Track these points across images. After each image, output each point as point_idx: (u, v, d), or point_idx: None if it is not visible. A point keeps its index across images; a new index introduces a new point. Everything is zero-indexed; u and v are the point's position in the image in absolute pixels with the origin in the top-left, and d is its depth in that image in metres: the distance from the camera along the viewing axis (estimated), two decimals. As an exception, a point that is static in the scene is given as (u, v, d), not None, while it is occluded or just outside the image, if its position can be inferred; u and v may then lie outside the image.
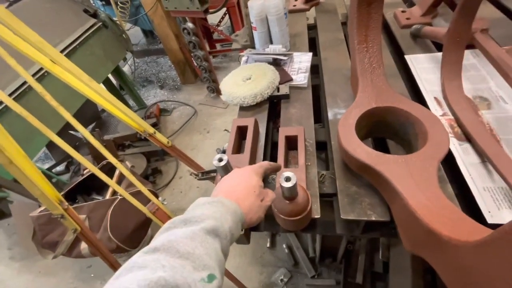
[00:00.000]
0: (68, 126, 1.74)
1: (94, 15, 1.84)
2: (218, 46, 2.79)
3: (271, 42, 0.99)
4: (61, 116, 0.92)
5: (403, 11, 1.01)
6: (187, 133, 2.25)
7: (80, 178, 1.49)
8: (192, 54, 2.11)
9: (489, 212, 0.48)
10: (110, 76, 2.25)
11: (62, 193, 1.43)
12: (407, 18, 0.98)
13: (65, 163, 2.15)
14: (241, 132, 0.69)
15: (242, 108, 0.83)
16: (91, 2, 2.73)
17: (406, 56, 0.84)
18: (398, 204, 0.45)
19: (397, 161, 0.49)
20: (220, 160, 0.50)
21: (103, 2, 2.96)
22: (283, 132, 0.64)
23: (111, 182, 0.98)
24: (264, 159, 0.69)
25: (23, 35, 0.75)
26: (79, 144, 2.13)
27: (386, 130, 0.64)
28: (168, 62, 2.89)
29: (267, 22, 0.93)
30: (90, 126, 2.46)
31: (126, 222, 1.23)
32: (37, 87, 0.89)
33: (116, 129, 2.31)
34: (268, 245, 1.45)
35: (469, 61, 0.78)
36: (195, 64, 2.19)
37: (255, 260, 1.44)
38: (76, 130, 1.84)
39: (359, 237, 1.21)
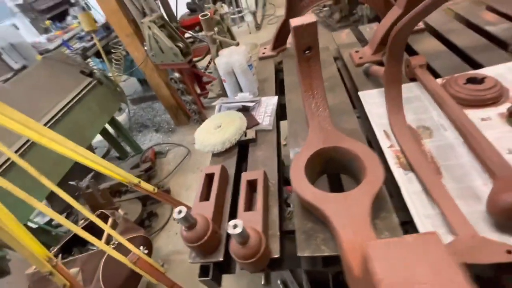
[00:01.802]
0: (67, 177, 1.83)
1: (90, 74, 2.03)
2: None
3: (241, 90, 1.09)
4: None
5: (356, 51, 1.12)
6: (182, 173, 2.32)
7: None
8: (182, 99, 2.26)
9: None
10: (108, 126, 2.40)
11: (58, 246, 1.46)
12: (360, 58, 1.08)
13: (64, 214, 2.20)
14: (210, 179, 0.75)
15: (214, 155, 0.90)
16: (90, 60, 2.99)
17: (359, 93, 0.93)
18: (337, 239, 0.49)
19: (337, 199, 0.54)
20: (180, 212, 0.55)
21: (101, 59, 3.25)
22: (245, 176, 0.71)
23: (96, 241, 1.02)
24: (233, 204, 0.74)
25: (8, 115, 0.86)
26: (77, 194, 2.20)
27: (338, 166, 0.69)
28: (162, 107, 3.06)
29: (234, 74, 1.05)
30: (90, 174, 2.56)
31: (118, 272, 1.24)
32: (20, 162, 0.97)
33: (114, 175, 2.39)
34: (262, 282, 1.42)
35: (413, 93, 0.86)
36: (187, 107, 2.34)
37: (252, 299, 1.41)
38: (73, 180, 1.92)
39: (325, 271, 1.20)
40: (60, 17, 4.56)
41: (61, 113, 1.67)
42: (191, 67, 2.02)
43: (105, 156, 2.63)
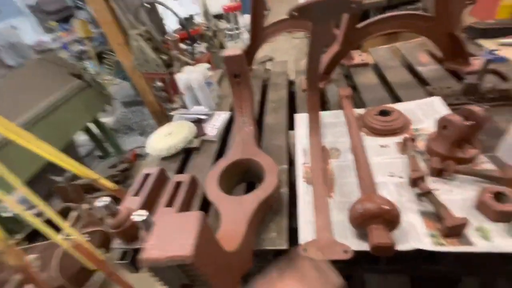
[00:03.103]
0: (47, 171, 1.94)
1: (79, 76, 2.17)
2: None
3: (199, 104, 1.22)
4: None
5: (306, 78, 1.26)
6: (159, 177, 2.41)
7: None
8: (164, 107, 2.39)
9: (303, 242, 0.62)
10: (93, 126, 2.52)
11: (24, 235, 1.54)
12: (307, 84, 1.22)
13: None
14: (147, 179, 0.86)
15: (163, 159, 1.02)
16: (87, 63, 3.15)
17: (295, 115, 1.06)
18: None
19: (232, 200, 0.65)
20: (103, 201, 0.66)
21: (97, 62, 3.42)
22: (175, 178, 0.82)
23: (48, 232, 1.10)
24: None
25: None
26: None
27: (254, 176, 0.81)
28: (151, 112, 3.21)
29: (192, 89, 1.18)
30: (72, 171, 2.66)
31: (74, 262, 1.32)
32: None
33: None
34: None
35: (339, 119, 0.99)
36: (169, 114, 2.48)
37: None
38: (56, 175, 2.01)
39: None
40: (66, 20, 4.78)
41: (45, 110, 1.79)
42: (172, 77, 2.16)
43: (88, 154, 2.73)
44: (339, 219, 0.65)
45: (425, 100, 0.95)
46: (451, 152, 0.70)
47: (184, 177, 0.81)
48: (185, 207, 0.76)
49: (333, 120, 0.98)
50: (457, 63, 1.09)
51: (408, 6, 2.39)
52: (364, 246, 0.57)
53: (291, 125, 1.04)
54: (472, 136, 0.71)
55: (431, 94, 0.98)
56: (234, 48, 0.79)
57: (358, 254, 0.56)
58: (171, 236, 0.36)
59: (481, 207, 0.60)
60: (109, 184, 1.25)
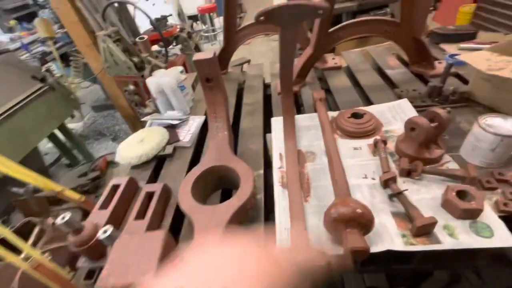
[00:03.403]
0: (6, 182, 1.77)
1: (42, 79, 2.02)
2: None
3: (173, 108, 1.18)
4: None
5: (281, 81, 1.27)
6: (133, 184, 2.31)
7: None
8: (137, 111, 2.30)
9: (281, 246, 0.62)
10: (58, 133, 2.36)
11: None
12: (282, 87, 1.22)
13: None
14: (116, 190, 0.81)
15: (133, 167, 0.96)
16: (52, 65, 2.95)
17: (271, 118, 1.05)
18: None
19: (205, 210, 0.62)
20: (63, 218, 0.61)
21: (64, 64, 3.21)
22: (145, 188, 0.77)
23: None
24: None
25: None
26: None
27: (230, 182, 0.79)
28: (124, 116, 3.07)
29: (165, 94, 1.13)
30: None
31: (35, 284, 1.21)
32: None
33: (59, 182, 2.33)
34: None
35: (313, 122, 1.00)
36: (143, 118, 2.38)
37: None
38: (17, 187, 1.85)
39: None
40: (29, 18, 4.47)
41: (2, 116, 1.64)
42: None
43: (55, 163, 2.55)
44: (315, 223, 0.65)
45: (395, 102, 0.98)
46: (418, 153, 0.73)
47: (156, 187, 0.77)
48: (157, 219, 0.72)
49: (308, 123, 0.99)
50: (422, 67, 1.14)
51: (377, 11, 2.50)
52: (339, 251, 0.57)
53: (269, 129, 1.03)
54: (437, 137, 0.74)
55: (399, 96, 1.02)
56: (205, 52, 0.76)
57: (334, 258, 0.57)
58: (131, 259, 0.34)
59: (446, 205, 0.62)
60: (75, 195, 1.16)
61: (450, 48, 1.31)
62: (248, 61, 3.10)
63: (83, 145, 2.47)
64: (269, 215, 0.71)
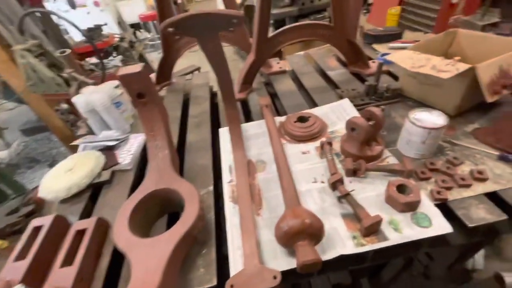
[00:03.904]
0: None
1: None
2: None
3: (109, 128, 1.06)
4: None
5: (228, 89, 1.23)
6: (79, 213, 2.05)
7: None
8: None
9: (232, 274, 0.57)
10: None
11: None
12: (229, 95, 1.19)
13: None
14: (37, 233, 0.68)
15: (62, 202, 0.83)
16: (-39, 86, 2.50)
17: (219, 129, 1.01)
18: None
19: (144, 244, 0.55)
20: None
21: (-21, 84, 2.75)
22: (75, 226, 0.67)
23: None
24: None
25: None
26: None
27: (175, 206, 0.72)
28: (63, 138, 2.73)
29: (97, 112, 1.01)
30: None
31: None
32: None
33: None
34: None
35: (262, 129, 0.98)
36: (84, 139, 2.14)
37: None
38: None
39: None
40: None
41: None
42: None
43: (-24, 201, 2.14)
44: (269, 238, 0.62)
45: (336, 103, 1.02)
46: (361, 151, 0.75)
47: (88, 223, 0.67)
48: (91, 262, 0.62)
49: (257, 131, 0.97)
50: (358, 67, 1.21)
51: (317, 15, 2.63)
52: (294, 264, 0.55)
53: (218, 140, 0.98)
54: (376, 134, 0.78)
55: (340, 96, 1.05)
56: (133, 65, 0.69)
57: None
58: None
59: (389, 200, 0.64)
60: (-6, 242, 0.97)
61: (381, 48, 1.41)
62: (198, 69, 3.00)
63: (10, 177, 2.13)
64: (223, 235, 0.66)
